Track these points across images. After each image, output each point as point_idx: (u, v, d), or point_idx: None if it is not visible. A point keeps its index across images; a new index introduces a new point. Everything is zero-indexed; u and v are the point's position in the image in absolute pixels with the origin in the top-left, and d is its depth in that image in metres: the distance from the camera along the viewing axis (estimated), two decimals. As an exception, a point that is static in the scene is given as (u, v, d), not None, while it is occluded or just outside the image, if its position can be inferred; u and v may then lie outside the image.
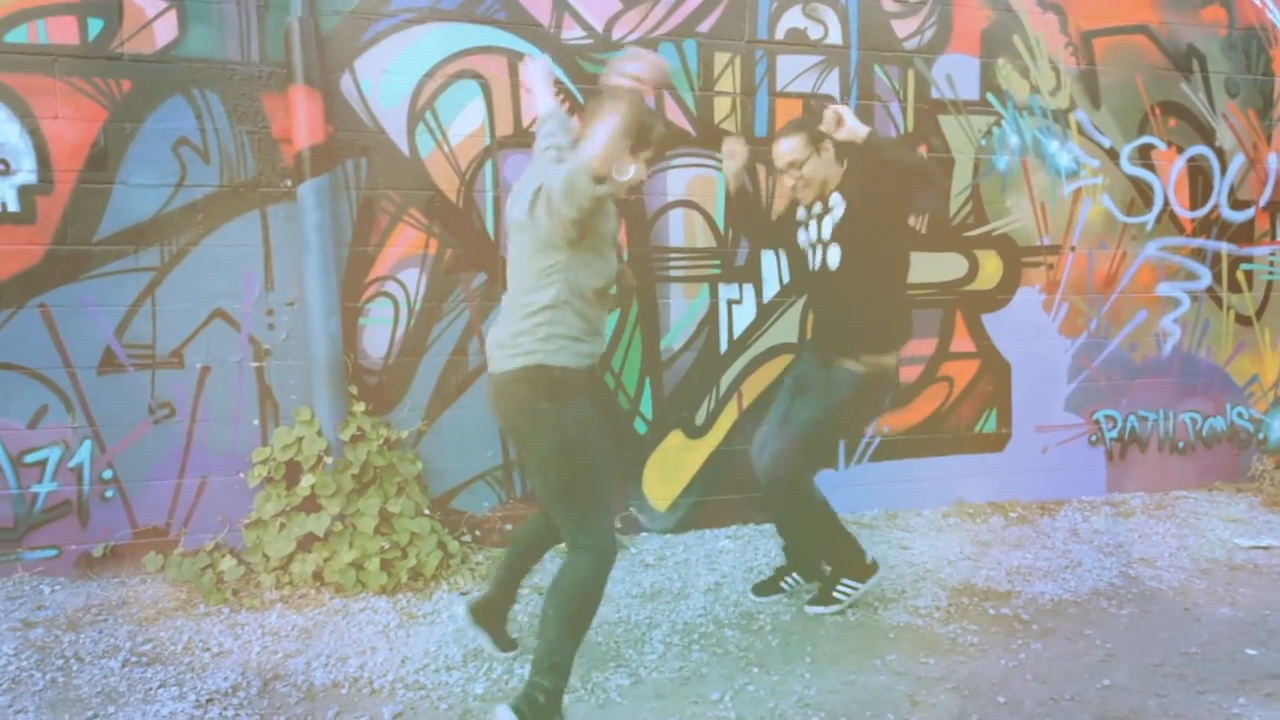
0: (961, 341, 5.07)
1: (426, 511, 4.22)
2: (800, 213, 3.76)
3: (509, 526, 4.49)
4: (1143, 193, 5.29)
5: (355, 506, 4.03)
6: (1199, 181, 5.40)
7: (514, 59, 4.33)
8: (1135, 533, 4.80)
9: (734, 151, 3.83)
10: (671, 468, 4.72)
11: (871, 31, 4.79)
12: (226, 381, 4.11)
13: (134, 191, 3.95)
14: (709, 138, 4.59)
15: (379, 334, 4.29)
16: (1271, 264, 5.58)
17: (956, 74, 4.93)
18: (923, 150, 4.87)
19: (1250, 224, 5.51)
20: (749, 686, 3.28)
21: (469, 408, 4.38)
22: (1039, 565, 4.36)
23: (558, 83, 4.31)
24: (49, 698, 3.13)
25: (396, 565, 3.98)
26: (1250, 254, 5.53)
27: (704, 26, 4.56)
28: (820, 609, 3.82)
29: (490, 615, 3.46)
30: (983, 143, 4.99)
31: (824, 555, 3.90)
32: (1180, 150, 5.34)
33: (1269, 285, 5.60)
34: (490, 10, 4.28)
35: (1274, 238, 5.55)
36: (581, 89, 4.42)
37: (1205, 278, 5.46)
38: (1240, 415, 5.61)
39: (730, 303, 4.72)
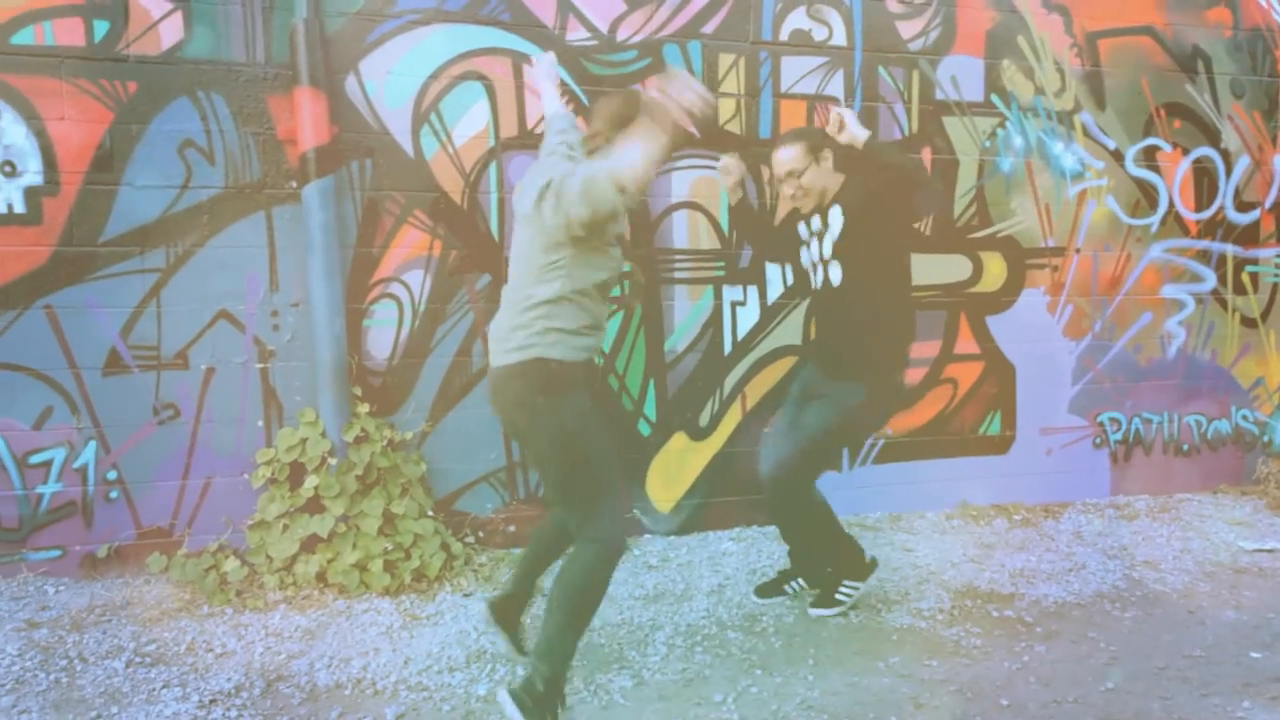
0: (966, 343, 5.07)
1: (430, 513, 4.23)
2: (802, 231, 3.73)
3: (512, 528, 4.49)
4: (1148, 194, 5.29)
5: (359, 508, 4.04)
6: (1204, 183, 5.39)
7: (519, 60, 4.34)
8: (1139, 535, 4.79)
9: (728, 168, 3.83)
10: (675, 470, 4.72)
11: (876, 33, 4.79)
12: (231, 383, 4.12)
13: (139, 193, 3.96)
14: (714, 139, 4.59)
15: (383, 335, 4.30)
16: (1277, 266, 5.56)
17: (961, 75, 4.93)
18: (927, 153, 4.87)
19: (1256, 226, 5.50)
20: (752, 688, 3.28)
21: (473, 409, 4.38)
22: (1043, 568, 4.35)
23: (562, 84, 4.31)
24: (53, 698, 3.14)
25: (400, 567, 3.99)
26: (1256, 256, 5.52)
27: (708, 28, 4.56)
28: (823, 611, 3.82)
29: (509, 615, 3.44)
30: (987, 144, 4.99)
31: (826, 557, 3.89)
32: (1185, 152, 5.33)
33: (1274, 287, 5.59)
34: (495, 11, 4.28)
35: (1280, 240, 5.55)
36: (586, 90, 4.42)
37: (1210, 280, 5.45)
38: (1245, 418, 5.60)
39: (734, 304, 4.72)
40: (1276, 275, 5.57)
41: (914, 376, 4.96)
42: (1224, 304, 5.49)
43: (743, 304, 4.73)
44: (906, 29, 4.84)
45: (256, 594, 3.91)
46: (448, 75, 4.26)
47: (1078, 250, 5.20)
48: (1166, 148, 5.30)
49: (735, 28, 4.60)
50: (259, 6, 4.02)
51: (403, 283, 4.30)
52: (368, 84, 4.18)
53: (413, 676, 3.32)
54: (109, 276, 3.95)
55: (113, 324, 3.98)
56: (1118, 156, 5.21)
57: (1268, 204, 5.50)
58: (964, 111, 4.94)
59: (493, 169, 4.35)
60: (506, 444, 4.46)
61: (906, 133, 4.87)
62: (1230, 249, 5.46)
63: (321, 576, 3.97)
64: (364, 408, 4.19)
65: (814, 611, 3.83)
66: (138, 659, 3.40)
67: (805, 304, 4.78)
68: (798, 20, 4.69)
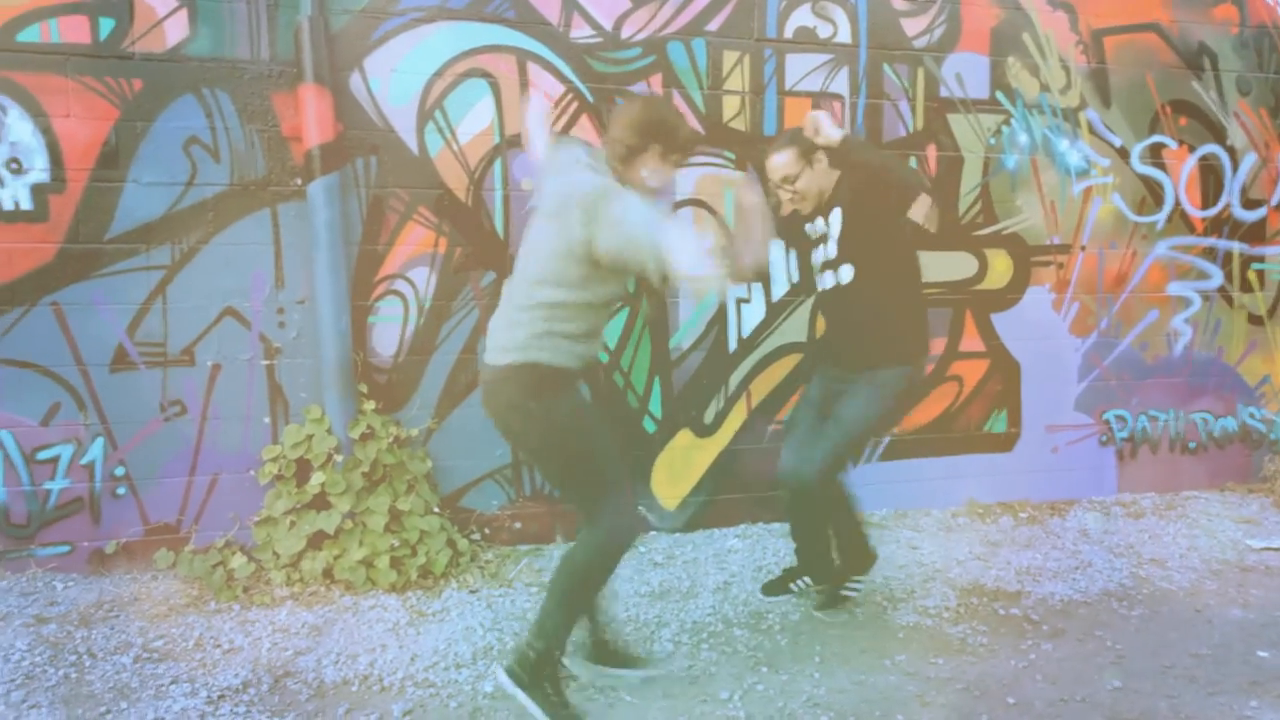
0: (971, 341, 5.06)
1: (436, 509, 4.23)
2: (809, 232, 3.72)
3: (518, 524, 4.49)
4: (1153, 192, 5.28)
5: (365, 504, 4.05)
6: (1210, 180, 5.38)
7: (523, 58, 4.34)
8: (1146, 533, 4.79)
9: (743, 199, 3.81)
10: (680, 467, 4.72)
11: (881, 30, 4.78)
12: (237, 379, 4.13)
13: (145, 190, 3.96)
14: (718, 137, 4.59)
15: (389, 332, 4.30)
16: (1283, 263, 5.56)
17: (966, 72, 4.92)
18: (931, 150, 4.86)
19: (1262, 223, 5.49)
20: (758, 686, 3.28)
21: (478, 406, 4.28)
22: (1049, 566, 4.35)
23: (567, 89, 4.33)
24: (62, 693, 3.15)
25: (406, 563, 3.99)
26: (1262, 253, 5.50)
27: (713, 25, 4.56)
28: (829, 615, 3.81)
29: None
30: (992, 141, 4.98)
31: (844, 550, 3.87)
32: (1191, 149, 5.32)
33: (1281, 284, 5.59)
34: (499, 9, 4.28)
35: (1286, 237, 5.54)
36: (591, 88, 4.42)
37: (1217, 277, 5.44)
38: (1252, 415, 5.59)
39: (739, 302, 4.72)
40: (1283, 272, 5.57)
41: (919, 374, 4.96)
42: (1230, 301, 5.48)
43: (747, 301, 4.73)
44: (911, 26, 4.83)
45: (263, 590, 3.92)
46: (452, 72, 4.26)
47: (1083, 247, 5.19)
48: (1172, 145, 5.29)
49: (740, 25, 4.60)
50: (264, 4, 4.02)
51: (408, 280, 4.30)
52: (372, 81, 4.18)
53: (419, 673, 3.33)
54: (115, 273, 3.96)
55: (119, 321, 3.98)
56: (1123, 154, 5.20)
57: (1274, 201, 5.48)
58: (969, 109, 4.94)
59: (497, 166, 4.35)
60: (512, 441, 4.47)
61: (911, 130, 4.87)
62: (1236, 246, 5.45)
63: (328, 573, 3.98)
64: (370, 405, 4.20)
65: (821, 613, 3.83)
66: (146, 655, 3.40)
67: (810, 301, 4.78)
68: (802, 17, 4.69)
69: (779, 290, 4.77)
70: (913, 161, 4.86)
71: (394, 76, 4.20)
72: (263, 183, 4.09)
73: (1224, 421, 5.54)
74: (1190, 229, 5.37)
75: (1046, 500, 5.20)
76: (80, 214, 3.90)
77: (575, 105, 4.41)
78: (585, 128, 4.43)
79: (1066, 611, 3.90)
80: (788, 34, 4.67)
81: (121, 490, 4.05)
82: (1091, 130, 5.14)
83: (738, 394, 4.77)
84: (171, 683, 3.22)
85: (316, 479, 4.03)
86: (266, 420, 4.17)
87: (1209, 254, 5.41)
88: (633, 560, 4.31)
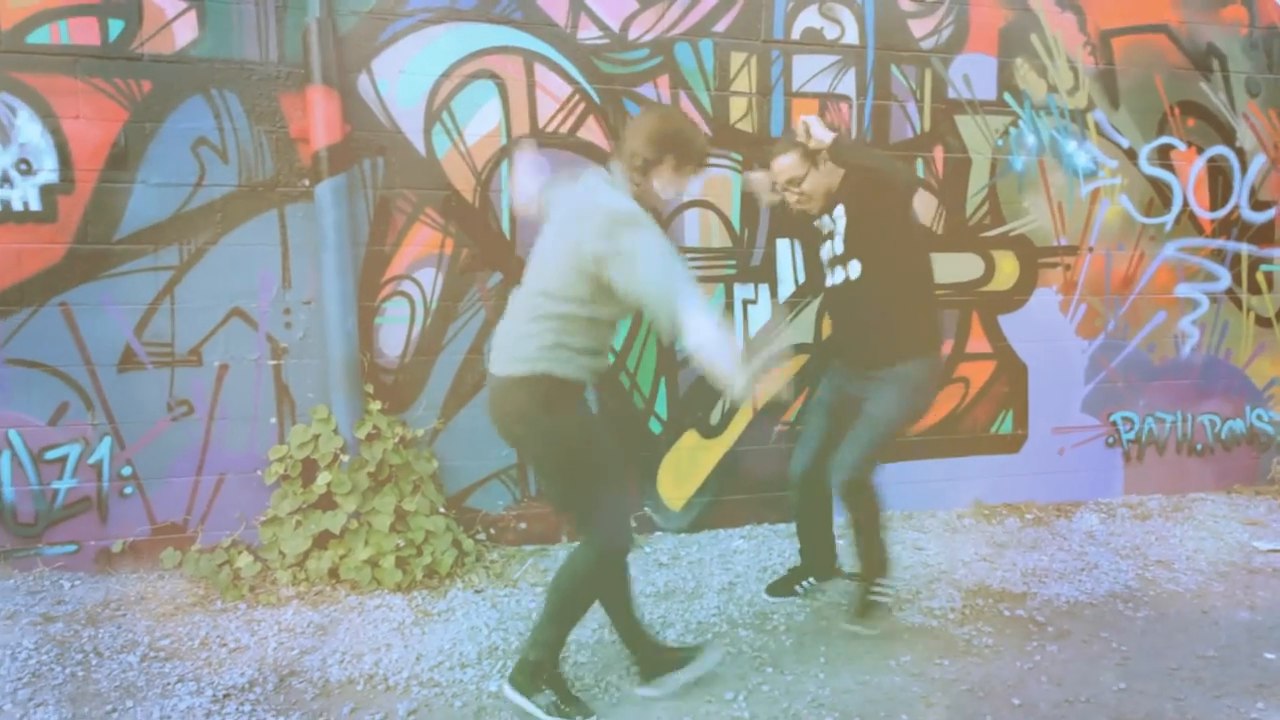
0: (978, 342, 5.05)
1: (441, 509, 4.24)
2: (820, 225, 3.72)
3: (523, 525, 4.50)
4: (1161, 193, 5.26)
5: (371, 504, 4.06)
6: (1219, 182, 5.36)
7: (530, 59, 4.34)
8: (1152, 535, 4.78)
9: (752, 182, 3.83)
10: (686, 467, 4.72)
11: (888, 31, 4.78)
12: (244, 380, 4.14)
13: (153, 191, 3.98)
14: (725, 138, 4.60)
15: (395, 333, 4.31)
16: (1292, 265, 5.54)
17: (974, 74, 4.91)
18: (939, 152, 4.86)
19: (1271, 225, 5.47)
20: (763, 686, 3.28)
21: (484, 406, 4.36)
22: (1055, 567, 4.34)
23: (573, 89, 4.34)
24: (69, 691, 3.16)
25: (411, 563, 4.00)
26: (1271, 255, 5.48)
27: (720, 26, 4.56)
28: (861, 628, 3.68)
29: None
30: (1000, 143, 4.98)
31: (866, 553, 3.76)
32: (1200, 150, 5.31)
33: (1289, 286, 5.57)
34: (507, 10, 4.29)
35: (1294, 239, 5.52)
36: (598, 89, 4.43)
37: (1225, 279, 5.42)
38: (1260, 418, 5.57)
39: (746, 302, 4.72)
40: (1291, 274, 5.55)
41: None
42: (1238, 303, 5.47)
43: (754, 302, 4.73)
44: (919, 27, 4.83)
45: (269, 589, 3.93)
46: (460, 74, 4.27)
47: (1091, 249, 5.18)
48: (1181, 146, 5.27)
49: (747, 26, 4.60)
50: (272, 6, 4.04)
51: (415, 280, 4.31)
52: (380, 83, 4.19)
53: (424, 672, 3.34)
54: (123, 274, 3.98)
55: (127, 321, 4.00)
56: (1131, 155, 5.19)
57: (1283, 203, 5.47)
58: (976, 110, 4.93)
59: (504, 167, 4.36)
60: (518, 442, 4.48)
61: (919, 131, 4.86)
62: (1245, 248, 5.43)
63: (334, 572, 3.99)
64: (376, 405, 4.21)
65: (852, 626, 3.69)
66: (152, 653, 3.42)
67: (816, 302, 4.77)
68: (809, 18, 4.69)
69: (785, 291, 4.76)
70: (919, 163, 4.86)
71: (402, 78, 4.21)
72: (270, 184, 4.11)
73: (1232, 423, 5.53)
74: (1198, 231, 5.35)
75: (1053, 502, 5.19)
76: (89, 215, 3.92)
77: (582, 106, 4.42)
78: (592, 129, 4.44)
79: (1072, 613, 3.89)
80: (795, 35, 4.67)
81: (129, 490, 4.06)
82: (1099, 131, 5.13)
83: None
84: (177, 681, 3.23)
85: (323, 479, 4.04)
86: (273, 420, 4.18)
87: (1217, 256, 5.40)
88: (638, 561, 4.31)
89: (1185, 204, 5.31)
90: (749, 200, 4.65)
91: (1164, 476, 5.43)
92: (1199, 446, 5.48)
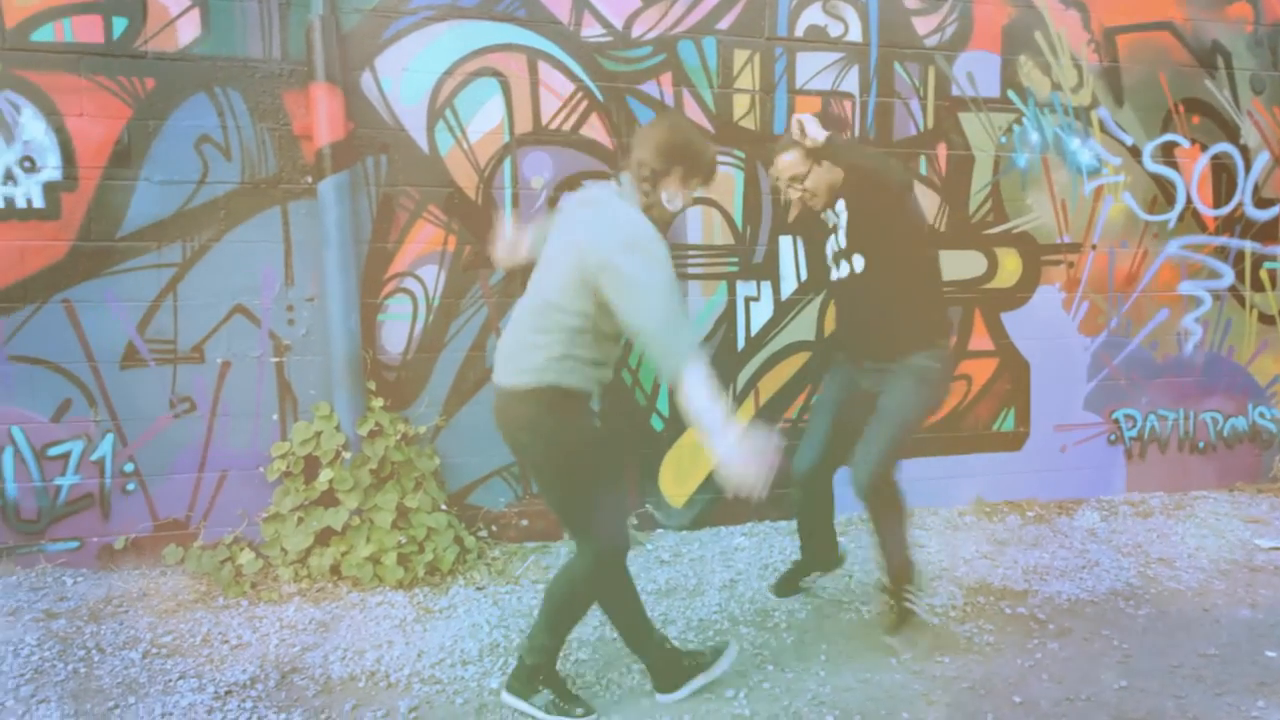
0: (980, 340, 5.05)
1: (443, 507, 4.25)
2: (827, 217, 3.71)
3: (525, 522, 4.51)
4: (1165, 190, 5.26)
5: (373, 501, 4.06)
6: (1223, 179, 5.35)
7: (533, 57, 4.34)
8: (1154, 533, 4.77)
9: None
10: (688, 465, 4.72)
11: (892, 28, 4.77)
12: (246, 377, 4.15)
13: (157, 188, 3.99)
14: (728, 135, 4.59)
15: (398, 330, 4.32)
16: (1296, 263, 5.53)
17: (977, 71, 4.91)
18: (942, 149, 4.85)
19: (1274, 222, 5.46)
20: (764, 684, 3.29)
21: (486, 404, 4.36)
22: (1056, 565, 4.34)
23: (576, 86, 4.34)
24: (71, 688, 3.17)
25: (413, 560, 4.01)
26: (1274, 253, 5.47)
27: (723, 24, 4.56)
28: (898, 643, 3.57)
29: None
30: (1003, 140, 4.97)
31: (889, 557, 3.66)
32: (1204, 148, 5.30)
33: (1293, 284, 5.56)
34: (510, 8, 4.29)
35: (1298, 236, 5.51)
36: (601, 87, 4.43)
37: (1228, 276, 5.41)
38: (1262, 415, 5.56)
39: (748, 300, 4.72)
40: (1295, 272, 5.54)
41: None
42: (1242, 301, 5.46)
43: (756, 299, 4.73)
44: (922, 25, 4.82)
45: (271, 586, 3.94)
46: (463, 71, 4.27)
47: (1094, 246, 5.18)
48: (1185, 144, 5.26)
49: (750, 23, 4.60)
50: (275, 3, 4.04)
51: (417, 278, 4.32)
52: (383, 80, 4.19)
53: (426, 669, 3.35)
54: (126, 271, 3.99)
55: (130, 318, 4.01)
56: (1135, 152, 5.18)
57: (1287, 200, 5.46)
58: (980, 107, 4.93)
59: (507, 165, 4.36)
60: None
61: (922, 129, 4.86)
62: (1249, 245, 5.42)
63: (335, 569, 4.00)
64: (378, 402, 4.22)
65: (890, 641, 3.57)
66: (154, 650, 3.43)
67: (819, 299, 4.77)
68: (813, 16, 4.68)
69: (787, 288, 4.76)
70: (922, 160, 4.85)
71: (405, 75, 4.21)
72: (273, 181, 4.11)
73: (1234, 421, 5.52)
74: (1202, 228, 5.34)
75: (1054, 499, 5.19)
76: (92, 212, 3.93)
77: (585, 104, 4.42)
78: (595, 126, 4.44)
79: (1073, 610, 3.89)
80: (798, 32, 4.66)
81: (131, 486, 4.07)
82: (1103, 129, 5.12)
83: (746, 392, 4.77)
84: (179, 678, 3.24)
85: (325, 476, 4.05)
86: (275, 417, 4.19)
87: (1220, 253, 5.39)
88: (639, 558, 4.32)
89: (1189, 201, 5.30)
90: (751, 197, 4.65)
91: (1166, 474, 5.42)
92: (1201, 444, 5.47)
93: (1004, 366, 5.10)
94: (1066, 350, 5.21)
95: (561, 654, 3.19)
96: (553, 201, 4.40)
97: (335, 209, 4.07)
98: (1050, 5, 4.96)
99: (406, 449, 4.20)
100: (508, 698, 3.07)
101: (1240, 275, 5.43)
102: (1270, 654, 3.53)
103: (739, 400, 4.76)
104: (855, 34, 4.73)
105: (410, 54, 4.21)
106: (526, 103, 4.36)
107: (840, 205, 3.56)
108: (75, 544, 4.04)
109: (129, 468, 4.06)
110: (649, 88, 4.49)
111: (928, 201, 4.85)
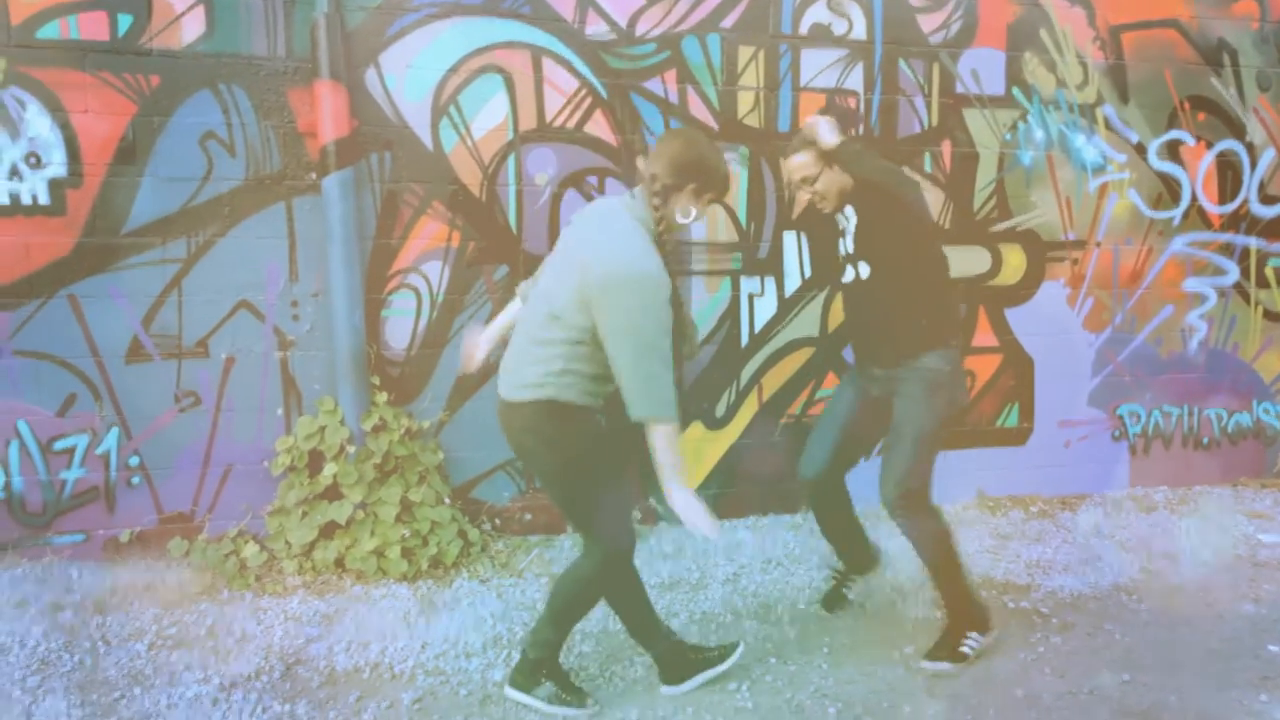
0: (984, 336, 5.05)
1: (447, 500, 4.26)
2: (837, 219, 3.67)
3: (528, 516, 4.52)
4: (1170, 188, 5.25)
5: (377, 495, 4.08)
6: (1228, 176, 5.35)
7: (538, 54, 4.36)
8: (1157, 528, 4.77)
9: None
10: (691, 459, 4.73)
11: (896, 26, 4.78)
12: (251, 371, 4.17)
13: (161, 184, 4.00)
14: (732, 132, 4.60)
15: (402, 325, 4.33)
16: (1301, 260, 5.52)
17: (982, 68, 4.91)
18: (947, 146, 4.85)
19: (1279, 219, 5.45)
20: (766, 677, 3.29)
21: (489, 399, 4.35)
22: (1059, 559, 4.34)
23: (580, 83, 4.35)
24: (77, 679, 3.19)
25: (417, 553, 4.02)
26: (1279, 249, 5.47)
27: (728, 21, 4.57)
28: (939, 665, 3.36)
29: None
30: (1008, 137, 4.97)
31: (951, 602, 3.48)
32: (1209, 145, 5.29)
33: (1298, 281, 5.55)
34: (514, 5, 4.30)
35: (1304, 233, 5.50)
36: (605, 84, 4.44)
37: (1233, 273, 5.41)
38: (1267, 411, 5.56)
39: (751, 296, 4.73)
40: (1300, 269, 5.53)
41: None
42: (1246, 298, 5.45)
43: (760, 296, 4.74)
44: (927, 22, 4.82)
45: (276, 579, 3.95)
46: (467, 69, 4.29)
47: (1098, 243, 5.17)
48: (1190, 141, 5.26)
49: (755, 21, 4.61)
50: (280, 1, 4.06)
51: (421, 274, 4.33)
52: (387, 77, 4.21)
53: (430, 661, 3.36)
54: (131, 267, 4.01)
55: (135, 313, 4.03)
56: (1140, 150, 5.18)
57: (1292, 197, 5.45)
58: (985, 105, 4.93)
59: (511, 161, 4.37)
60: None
61: (926, 126, 4.86)
62: (1254, 242, 5.42)
63: (340, 562, 4.01)
64: (382, 397, 4.23)
65: (929, 664, 3.37)
66: (159, 642, 3.45)
67: (822, 296, 4.78)
68: (818, 13, 4.69)
69: (791, 285, 4.77)
70: (927, 157, 4.85)
71: (409, 72, 4.23)
72: (278, 177, 4.13)
73: (1238, 417, 5.51)
74: (1207, 225, 5.34)
75: (1058, 495, 5.19)
76: (97, 208, 3.95)
77: (589, 101, 4.43)
78: (599, 123, 4.45)
79: (1076, 605, 3.89)
80: (803, 30, 4.67)
81: (136, 480, 4.09)
82: (1108, 126, 5.12)
83: (749, 388, 4.78)
84: (184, 670, 3.26)
85: (329, 470, 4.07)
86: (280, 412, 4.21)
87: (1226, 250, 5.38)
88: (643, 552, 4.31)
89: (1194, 198, 5.29)
90: (755, 194, 4.65)
91: (1170, 470, 5.42)
92: (1205, 440, 5.47)
93: (1008, 362, 5.10)
94: (1071, 346, 5.20)
95: (565, 647, 3.20)
96: (556, 198, 4.42)
97: (340, 205, 4.09)
98: (1055, 2, 4.97)
99: (410, 443, 4.21)
100: (511, 692, 3.08)
101: (1245, 272, 5.42)
102: (1273, 648, 3.52)
103: (743, 397, 4.76)
104: (860, 31, 4.74)
105: (414, 51, 4.23)
106: (530, 100, 4.37)
107: (850, 211, 3.53)
108: (81, 537, 4.06)
109: (134, 461, 4.08)
110: (653, 85, 4.50)
111: (932, 198, 4.84)
